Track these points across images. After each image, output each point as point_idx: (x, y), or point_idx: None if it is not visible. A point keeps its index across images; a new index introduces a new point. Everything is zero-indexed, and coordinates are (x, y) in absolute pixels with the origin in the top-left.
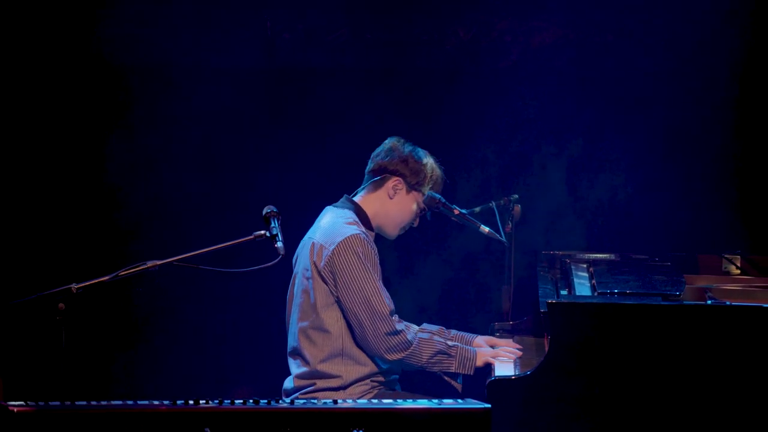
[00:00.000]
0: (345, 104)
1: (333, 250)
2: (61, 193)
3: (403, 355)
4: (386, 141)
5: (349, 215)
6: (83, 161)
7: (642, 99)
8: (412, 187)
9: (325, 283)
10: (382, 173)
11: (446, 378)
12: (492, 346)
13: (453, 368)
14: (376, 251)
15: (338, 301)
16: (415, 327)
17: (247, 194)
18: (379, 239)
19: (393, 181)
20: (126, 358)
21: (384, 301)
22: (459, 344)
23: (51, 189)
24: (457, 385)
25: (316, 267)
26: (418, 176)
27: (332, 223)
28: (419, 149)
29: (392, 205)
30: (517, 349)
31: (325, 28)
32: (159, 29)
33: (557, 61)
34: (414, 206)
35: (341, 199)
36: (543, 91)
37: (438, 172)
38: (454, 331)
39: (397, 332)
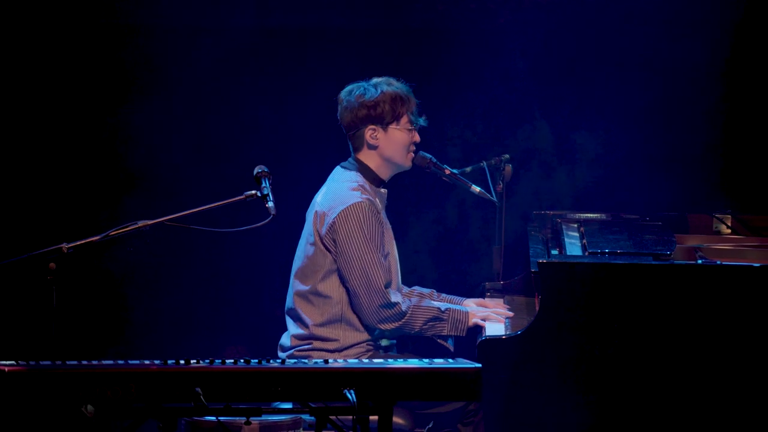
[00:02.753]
0: (336, 64)
1: (335, 218)
2: (51, 153)
3: (396, 324)
4: (338, 97)
5: (355, 177)
6: (73, 121)
7: (632, 59)
8: (387, 124)
9: (328, 250)
10: (353, 130)
11: (438, 340)
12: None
13: (446, 331)
14: (380, 218)
15: (339, 269)
16: (408, 291)
17: (239, 154)
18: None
19: (367, 132)
20: (117, 317)
21: (381, 274)
22: (451, 306)
23: (41, 149)
24: (449, 346)
25: (319, 234)
26: (383, 113)
27: (337, 188)
28: (366, 85)
29: (384, 150)
30: (508, 310)
31: None
32: None
33: (547, 21)
34: (403, 134)
35: (349, 158)
36: (533, 52)
37: (395, 90)
38: (444, 295)
39: (392, 305)
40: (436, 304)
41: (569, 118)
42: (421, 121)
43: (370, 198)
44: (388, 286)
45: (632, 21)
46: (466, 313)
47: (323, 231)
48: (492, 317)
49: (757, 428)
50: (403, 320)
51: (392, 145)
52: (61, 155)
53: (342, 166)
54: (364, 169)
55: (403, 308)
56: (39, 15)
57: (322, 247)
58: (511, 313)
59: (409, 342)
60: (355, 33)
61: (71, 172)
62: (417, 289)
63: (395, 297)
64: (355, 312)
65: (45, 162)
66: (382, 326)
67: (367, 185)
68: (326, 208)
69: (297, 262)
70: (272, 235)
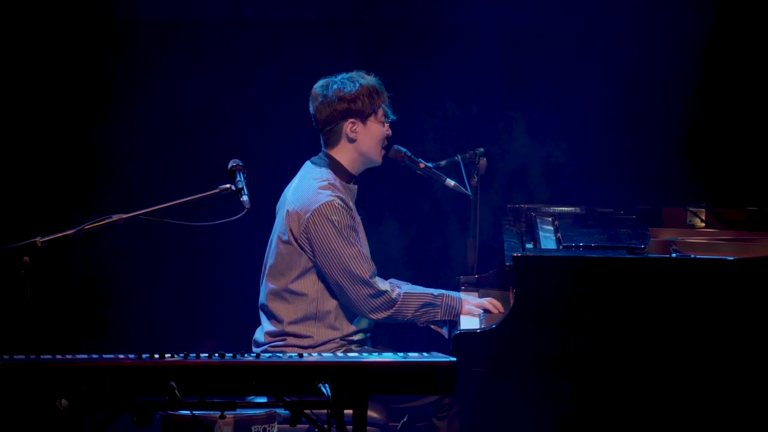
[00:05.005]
0: (310, 56)
1: (308, 219)
2: (25, 146)
3: (388, 313)
4: (311, 93)
5: (325, 175)
6: (47, 115)
7: (606, 53)
8: (366, 117)
9: (303, 250)
10: (331, 124)
11: (432, 326)
12: None
13: (439, 317)
14: (352, 213)
15: (316, 267)
16: (398, 283)
17: (213, 148)
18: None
19: (347, 126)
20: (91, 312)
21: (363, 265)
22: (444, 292)
23: (14, 143)
24: (443, 333)
25: (293, 234)
26: (363, 105)
27: (307, 187)
28: (342, 79)
29: (360, 143)
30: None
31: None
32: None
33: (522, 15)
34: (379, 127)
35: (320, 154)
36: (508, 45)
37: (371, 83)
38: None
39: (380, 293)
40: (429, 289)
41: (544, 111)
42: (390, 114)
43: (341, 196)
44: (374, 275)
45: (606, 16)
46: (460, 299)
47: (298, 231)
48: (487, 306)
49: (733, 418)
50: (395, 308)
51: (370, 138)
52: (36, 148)
53: (312, 162)
54: (334, 165)
55: (393, 296)
56: (13, 6)
57: (297, 246)
58: (502, 309)
59: (384, 337)
60: (330, 25)
61: (46, 166)
62: (393, 281)
63: (383, 285)
64: (345, 304)
65: (19, 155)
66: (374, 316)
67: (337, 182)
68: (299, 208)
69: (270, 259)
70: (247, 228)
